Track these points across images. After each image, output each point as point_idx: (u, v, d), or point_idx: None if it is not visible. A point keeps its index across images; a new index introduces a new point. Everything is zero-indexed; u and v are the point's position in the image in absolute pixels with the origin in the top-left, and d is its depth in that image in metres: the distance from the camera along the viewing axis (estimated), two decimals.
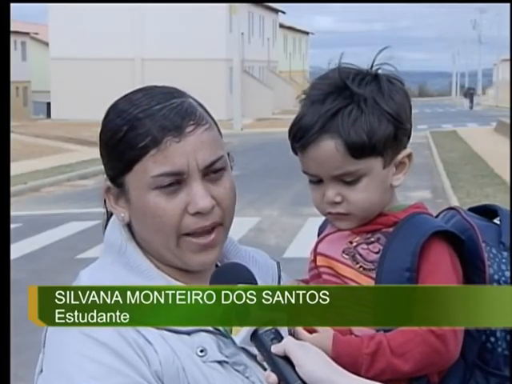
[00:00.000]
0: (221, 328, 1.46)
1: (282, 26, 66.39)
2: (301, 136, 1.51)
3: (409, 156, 1.56)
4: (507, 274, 1.50)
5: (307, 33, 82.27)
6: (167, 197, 1.44)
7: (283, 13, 65.00)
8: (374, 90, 1.50)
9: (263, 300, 1.31)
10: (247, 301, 1.30)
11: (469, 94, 67.87)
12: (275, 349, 1.28)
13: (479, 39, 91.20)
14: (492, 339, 1.50)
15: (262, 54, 56.09)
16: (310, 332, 1.44)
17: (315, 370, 1.26)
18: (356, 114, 1.48)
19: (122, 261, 1.48)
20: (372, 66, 1.55)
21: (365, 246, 1.51)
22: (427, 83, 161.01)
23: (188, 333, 1.43)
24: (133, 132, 1.43)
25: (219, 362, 1.43)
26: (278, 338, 1.30)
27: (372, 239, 1.52)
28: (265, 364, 1.44)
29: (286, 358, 1.27)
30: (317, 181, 1.54)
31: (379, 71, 1.55)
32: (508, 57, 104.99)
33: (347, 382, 1.27)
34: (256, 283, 1.38)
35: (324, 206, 1.54)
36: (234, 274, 1.39)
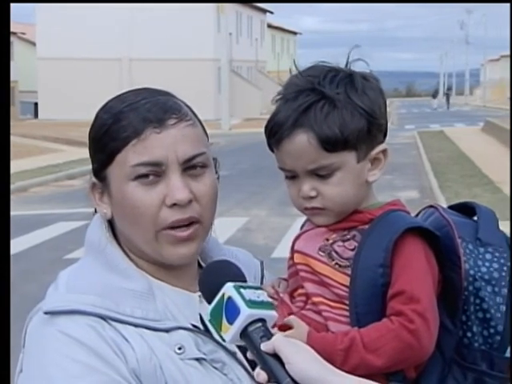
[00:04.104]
0: (200, 325, 1.47)
1: (270, 26, 66.43)
2: (275, 131, 1.53)
3: (384, 152, 1.57)
4: (483, 269, 1.51)
5: (295, 33, 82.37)
6: (146, 188, 1.45)
7: (271, 13, 65.04)
8: (348, 86, 1.52)
9: (252, 297, 1.31)
10: (237, 298, 1.30)
11: (445, 94, 70.28)
12: (265, 346, 1.28)
13: (466, 40, 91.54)
14: (469, 334, 1.51)
15: (250, 54, 56.11)
16: (285, 329, 1.45)
17: (306, 369, 1.25)
18: (328, 108, 1.50)
19: (101, 259, 1.49)
20: (347, 64, 1.57)
21: (340, 244, 1.52)
22: (415, 83, 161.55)
23: (166, 330, 1.43)
24: (116, 124, 1.46)
25: (197, 360, 1.43)
26: (268, 335, 1.30)
27: (348, 236, 1.53)
28: (244, 362, 1.45)
29: (276, 356, 1.27)
30: (292, 176, 1.55)
31: (353, 69, 1.57)
32: (495, 57, 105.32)
33: (339, 380, 1.27)
34: (245, 280, 1.38)
35: (300, 201, 1.55)
36: (223, 271, 1.39)
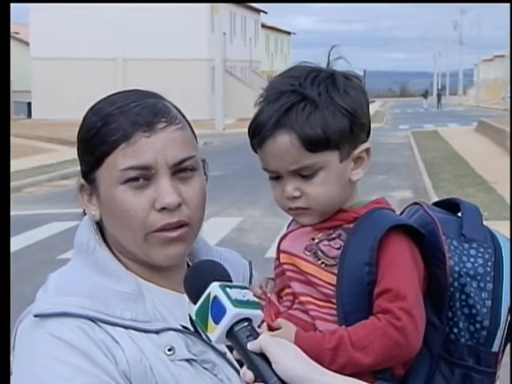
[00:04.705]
0: (190, 326, 1.47)
1: (263, 26, 66.46)
2: (258, 132, 1.53)
3: (367, 151, 1.57)
4: (468, 265, 1.52)
5: (289, 33, 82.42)
6: (135, 192, 1.45)
7: (265, 13, 65.05)
8: (330, 86, 1.52)
9: (238, 297, 1.31)
10: (223, 297, 1.30)
11: (437, 94, 71.26)
12: (251, 346, 1.28)
13: (460, 40, 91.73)
14: (455, 330, 1.52)
15: (244, 53, 56.10)
16: (273, 329, 1.45)
17: (293, 368, 1.25)
18: (310, 108, 1.50)
19: (90, 261, 1.49)
20: (328, 64, 1.58)
21: (326, 243, 1.53)
22: (409, 83, 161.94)
23: (156, 332, 1.44)
24: (106, 127, 1.46)
25: (187, 361, 1.44)
26: (254, 334, 1.30)
27: (333, 235, 1.53)
28: (234, 362, 1.45)
29: (263, 355, 1.27)
30: (276, 177, 1.55)
31: (336, 68, 1.57)
32: (488, 57, 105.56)
33: (326, 379, 1.27)
34: (231, 280, 1.38)
35: (284, 201, 1.56)
36: (209, 270, 1.39)
